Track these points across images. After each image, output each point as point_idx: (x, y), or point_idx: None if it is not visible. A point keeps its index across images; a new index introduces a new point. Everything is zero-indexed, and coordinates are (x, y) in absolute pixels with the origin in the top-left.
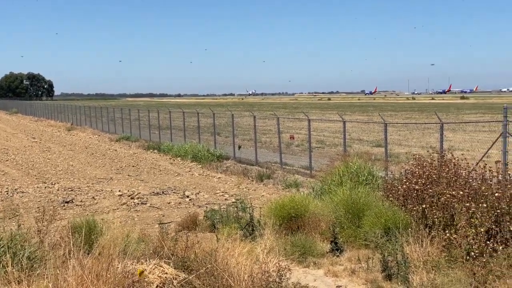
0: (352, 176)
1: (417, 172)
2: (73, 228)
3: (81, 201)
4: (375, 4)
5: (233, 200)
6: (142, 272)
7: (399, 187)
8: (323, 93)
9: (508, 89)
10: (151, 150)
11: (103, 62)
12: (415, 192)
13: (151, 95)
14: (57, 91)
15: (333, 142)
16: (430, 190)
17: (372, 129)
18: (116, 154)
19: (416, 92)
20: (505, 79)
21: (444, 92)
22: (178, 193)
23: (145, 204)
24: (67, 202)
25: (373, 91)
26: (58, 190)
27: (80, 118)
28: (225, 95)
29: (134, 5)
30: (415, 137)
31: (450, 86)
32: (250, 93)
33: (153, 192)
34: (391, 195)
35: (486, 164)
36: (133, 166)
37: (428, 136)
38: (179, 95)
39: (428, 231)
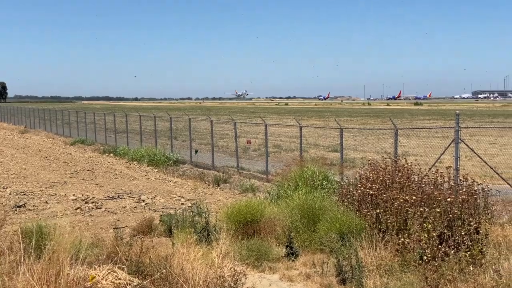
0: (308, 181)
1: (371, 177)
2: (24, 233)
3: (33, 205)
4: (332, 10)
5: (190, 204)
6: (94, 277)
7: (354, 192)
8: (280, 98)
9: (460, 96)
10: (106, 154)
11: (58, 65)
12: (370, 197)
13: (107, 99)
14: (10, 93)
15: (290, 147)
16: (384, 195)
17: (329, 134)
18: (71, 157)
19: (371, 98)
20: (457, 86)
21: (394, 98)
22: (134, 197)
23: (100, 208)
24: (19, 207)
25: (326, 97)
26: (10, 194)
27: (34, 121)
28: (183, 99)
29: (90, 9)
30: (370, 142)
31: (400, 92)
32: (240, 94)
33: (108, 196)
34: (346, 200)
35: (438, 170)
36: (88, 170)
37: (383, 142)
38: (136, 99)
39: (382, 236)
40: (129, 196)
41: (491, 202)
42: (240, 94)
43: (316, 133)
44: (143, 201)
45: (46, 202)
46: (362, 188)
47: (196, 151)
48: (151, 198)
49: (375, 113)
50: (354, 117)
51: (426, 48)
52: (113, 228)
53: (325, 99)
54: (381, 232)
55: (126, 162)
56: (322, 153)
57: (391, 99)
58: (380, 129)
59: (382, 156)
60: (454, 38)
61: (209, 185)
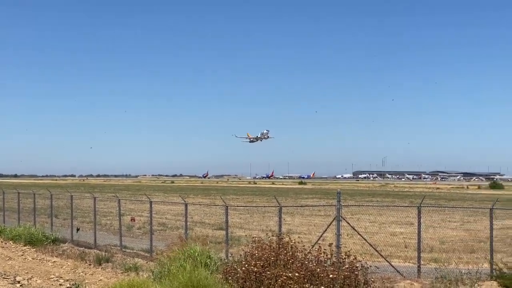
0: (192, 259)
1: (256, 255)
2: None
3: None
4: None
5: (68, 285)
6: None
7: (238, 269)
8: (167, 175)
9: (342, 176)
10: None
11: None
12: (254, 274)
13: None
14: None
15: (175, 224)
16: (268, 272)
17: (214, 212)
18: None
19: (257, 177)
20: (339, 166)
21: (268, 177)
22: (9, 278)
23: None
24: None
25: (205, 175)
26: None
27: None
28: (66, 176)
29: None
30: (256, 220)
31: (273, 172)
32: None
33: None
34: (230, 278)
35: (321, 247)
36: None
37: (268, 219)
38: (15, 176)
39: None
40: (3, 277)
41: (371, 279)
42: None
43: (202, 211)
44: (19, 282)
45: None
46: (246, 266)
47: (78, 229)
48: (27, 279)
49: (260, 191)
50: (240, 195)
51: (311, 131)
52: None
53: (204, 177)
54: None
55: (1, 242)
56: (207, 231)
57: (265, 177)
58: (265, 206)
59: (267, 234)
60: (335, 123)
61: (90, 264)
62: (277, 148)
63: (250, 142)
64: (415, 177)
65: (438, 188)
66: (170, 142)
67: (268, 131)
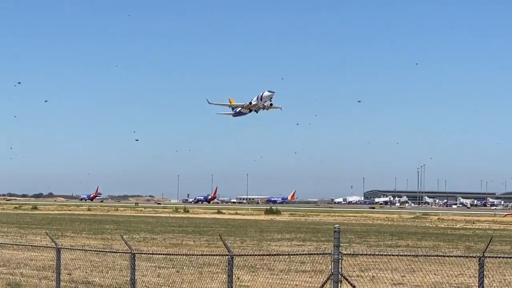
0: None
1: None
2: None
3: None
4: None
5: None
6: None
7: None
8: (23, 196)
9: (345, 199)
10: None
11: None
12: None
13: None
14: None
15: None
16: None
17: (111, 263)
18: None
19: (189, 200)
20: (340, 184)
21: (207, 200)
22: None
23: None
24: None
25: (92, 195)
26: None
27: None
28: None
29: None
30: (187, 280)
31: (216, 191)
32: None
33: None
34: None
35: None
36: None
37: (210, 279)
38: None
39: None
40: None
41: None
42: None
43: (89, 262)
44: None
45: None
46: None
47: None
48: None
49: (196, 226)
50: (159, 233)
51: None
52: None
53: (91, 199)
54: None
55: None
56: None
57: (203, 201)
58: (204, 255)
59: None
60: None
61: None
62: (229, 149)
63: (234, 115)
64: (476, 202)
65: None
66: (25, 140)
67: (273, 93)
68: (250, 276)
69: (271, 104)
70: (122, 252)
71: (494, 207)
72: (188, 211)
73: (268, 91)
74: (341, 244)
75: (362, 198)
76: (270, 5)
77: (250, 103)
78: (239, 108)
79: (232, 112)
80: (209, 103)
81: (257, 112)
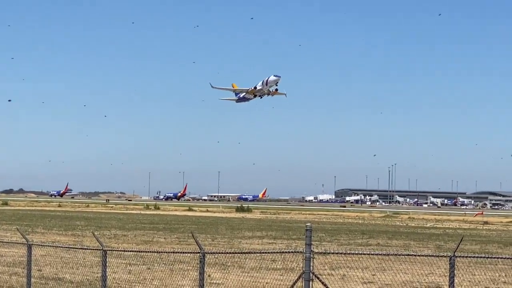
0: None
1: None
2: None
3: None
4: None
5: None
6: None
7: None
8: None
9: (316, 197)
10: None
11: None
12: None
13: None
14: None
15: (9, 283)
16: None
17: (82, 260)
18: None
19: (160, 196)
20: (311, 182)
21: (176, 197)
22: None
23: None
24: None
25: (62, 192)
26: None
27: None
28: None
29: None
30: (158, 277)
31: (185, 188)
32: None
33: None
34: None
35: None
36: None
37: (181, 276)
38: None
39: None
40: None
41: None
42: None
43: (60, 258)
44: None
45: None
46: None
47: None
48: None
49: (167, 224)
50: (130, 230)
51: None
52: None
53: (61, 195)
54: None
55: None
56: None
57: (172, 198)
58: (175, 252)
59: None
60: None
61: None
62: (200, 147)
63: (238, 100)
64: (446, 201)
65: (486, 223)
66: None
67: (279, 77)
68: (221, 274)
69: (276, 90)
70: (93, 249)
71: (465, 207)
72: (159, 208)
73: (274, 76)
74: (312, 243)
75: (333, 197)
76: None
77: (255, 87)
78: (243, 94)
79: (235, 98)
80: (212, 87)
81: (261, 98)
